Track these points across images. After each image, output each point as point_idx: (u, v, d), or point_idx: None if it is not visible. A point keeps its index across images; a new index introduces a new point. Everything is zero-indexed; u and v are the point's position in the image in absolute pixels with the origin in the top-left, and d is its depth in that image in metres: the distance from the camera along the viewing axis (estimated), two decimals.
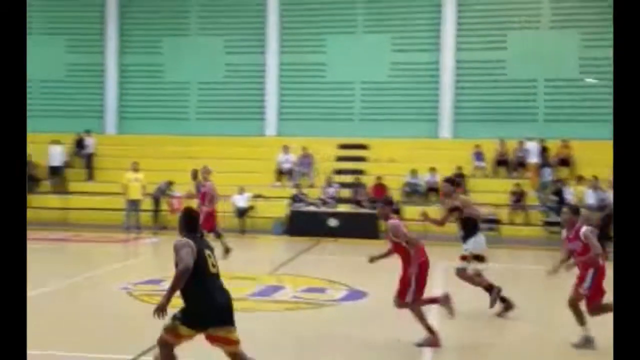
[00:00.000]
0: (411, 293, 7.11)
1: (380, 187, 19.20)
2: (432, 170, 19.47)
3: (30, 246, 7.29)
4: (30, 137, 22.82)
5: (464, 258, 8.50)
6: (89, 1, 23.22)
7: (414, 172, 19.46)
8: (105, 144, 21.57)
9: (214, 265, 5.38)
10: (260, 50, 22.04)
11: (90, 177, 21.00)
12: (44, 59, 23.06)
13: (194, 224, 5.45)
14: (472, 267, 8.44)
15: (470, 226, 8.43)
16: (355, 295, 9.87)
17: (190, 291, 5.25)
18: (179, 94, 22.79)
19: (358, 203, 18.49)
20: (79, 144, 21.35)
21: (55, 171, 20.51)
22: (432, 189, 18.90)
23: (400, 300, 7.23)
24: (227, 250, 12.90)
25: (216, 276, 5.39)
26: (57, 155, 20.51)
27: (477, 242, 8.46)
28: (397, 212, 18.41)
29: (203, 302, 5.22)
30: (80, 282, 10.76)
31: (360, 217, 17.40)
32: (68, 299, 9.58)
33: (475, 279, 8.54)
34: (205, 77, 22.35)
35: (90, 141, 21.20)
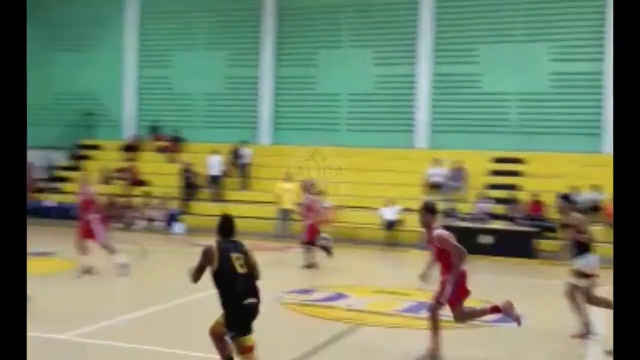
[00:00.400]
0: (445, 295, 7.12)
1: (537, 204, 18.39)
2: (595, 187, 18.37)
3: (193, 250, 7.72)
4: (192, 146, 24.24)
5: (574, 273, 8.53)
6: (249, 17, 24.17)
7: (574, 189, 18.44)
8: (260, 154, 22.30)
9: (241, 266, 5.73)
10: (410, 61, 21.84)
11: (245, 186, 21.76)
12: (206, 73, 24.23)
13: (227, 229, 5.95)
14: (582, 283, 8.44)
15: (582, 245, 8.46)
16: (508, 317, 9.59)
17: (222, 297, 5.72)
18: (330, 105, 23.02)
19: (513, 220, 17.80)
20: (235, 154, 22.03)
21: (214, 180, 21.44)
22: (596, 208, 17.83)
23: (435, 299, 7.21)
24: (328, 251, 13.49)
25: (245, 276, 5.74)
26: (215, 164, 21.39)
27: (588, 262, 8.43)
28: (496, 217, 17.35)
29: (234, 305, 5.66)
30: None
31: (515, 235, 16.71)
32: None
33: (574, 306, 8.49)
34: (355, 89, 22.58)
35: (246, 151, 21.99)
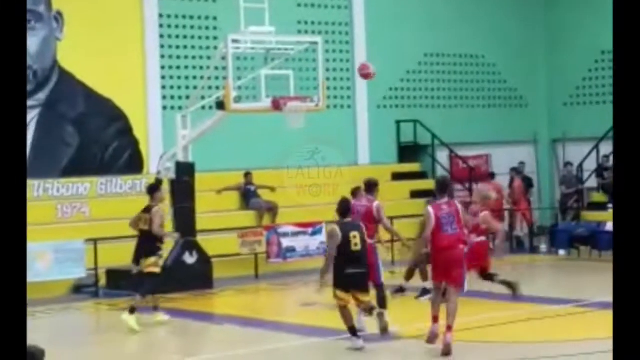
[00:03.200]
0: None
1: None
2: None
3: None
4: None
5: None
6: None
7: None
8: None
9: (356, 245, 9.57)
10: None
11: None
12: None
13: (343, 211, 9.81)
14: None
15: None
16: None
17: (336, 263, 9.63)
18: None
19: None
20: None
21: None
22: None
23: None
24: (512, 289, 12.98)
25: (357, 253, 9.61)
26: None
27: None
28: None
29: (341, 271, 9.57)
30: None
31: None
32: None
33: None
34: None
35: None
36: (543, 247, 18.91)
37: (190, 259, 15.12)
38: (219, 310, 14.00)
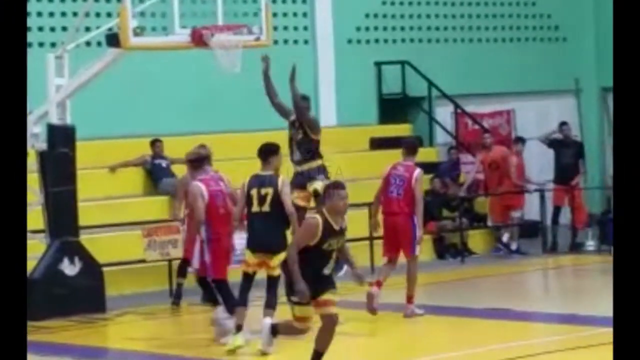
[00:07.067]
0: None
1: None
2: None
3: None
4: None
5: None
6: None
7: None
8: None
9: (258, 204, 11.07)
10: None
11: None
12: None
13: (264, 159, 11.26)
14: None
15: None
16: None
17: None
18: None
19: None
20: None
21: None
22: None
23: None
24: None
25: (258, 213, 10.87)
26: None
27: None
28: None
29: (248, 231, 11.40)
30: None
31: None
32: None
33: None
34: None
35: None
36: (590, 243, 18.38)
37: (70, 268, 14.81)
38: (114, 344, 13.97)
